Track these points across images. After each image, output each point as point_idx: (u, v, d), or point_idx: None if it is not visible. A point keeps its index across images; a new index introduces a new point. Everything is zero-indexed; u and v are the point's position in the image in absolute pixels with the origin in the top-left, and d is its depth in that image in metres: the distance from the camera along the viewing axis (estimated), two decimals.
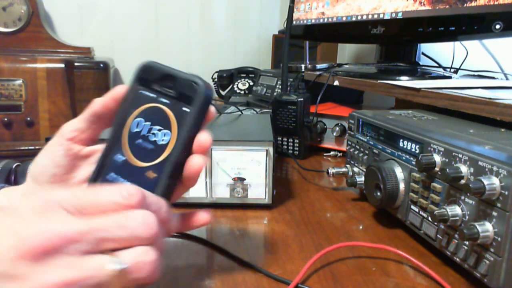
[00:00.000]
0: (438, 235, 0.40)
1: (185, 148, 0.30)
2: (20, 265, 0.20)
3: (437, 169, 0.40)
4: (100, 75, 1.44)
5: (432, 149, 0.41)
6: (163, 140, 0.30)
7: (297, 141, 0.81)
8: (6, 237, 0.21)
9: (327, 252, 0.41)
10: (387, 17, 0.81)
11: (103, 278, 0.22)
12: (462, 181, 0.36)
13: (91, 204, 0.24)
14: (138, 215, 0.24)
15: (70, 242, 0.22)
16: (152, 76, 0.32)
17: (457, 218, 0.36)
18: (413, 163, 0.44)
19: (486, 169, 0.33)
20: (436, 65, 0.98)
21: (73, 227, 0.22)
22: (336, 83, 0.89)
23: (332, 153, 0.84)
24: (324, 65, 1.10)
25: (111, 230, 0.23)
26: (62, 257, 0.21)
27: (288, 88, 0.82)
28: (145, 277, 0.24)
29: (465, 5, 0.65)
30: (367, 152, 0.55)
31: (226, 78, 1.51)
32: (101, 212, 0.24)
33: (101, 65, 1.44)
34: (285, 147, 0.82)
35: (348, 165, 0.61)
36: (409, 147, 0.45)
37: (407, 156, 0.45)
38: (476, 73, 0.86)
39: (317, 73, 0.99)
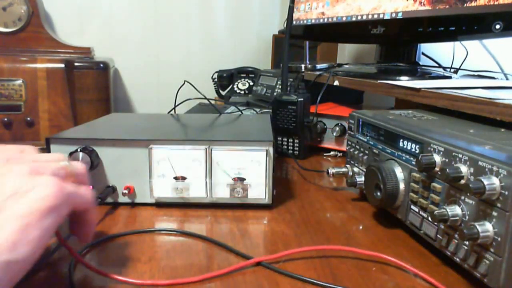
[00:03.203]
0: (438, 235, 0.40)
1: None
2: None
3: (437, 169, 0.40)
4: (100, 75, 1.44)
5: (432, 149, 0.41)
6: None
7: (297, 141, 0.81)
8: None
9: (325, 250, 0.41)
10: (387, 17, 0.81)
11: (56, 166, 0.35)
12: (462, 181, 0.36)
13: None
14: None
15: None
16: None
17: (457, 218, 0.36)
18: (413, 163, 0.44)
19: (486, 169, 0.33)
20: (436, 65, 0.98)
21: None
22: (336, 83, 0.89)
23: (332, 153, 0.84)
24: (324, 65, 1.10)
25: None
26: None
27: (288, 88, 0.82)
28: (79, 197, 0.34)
29: (465, 5, 0.65)
30: (367, 152, 0.55)
31: (226, 78, 1.51)
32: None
33: (101, 65, 1.44)
34: (285, 147, 0.82)
35: (348, 165, 0.61)
36: (409, 147, 0.45)
37: (407, 156, 0.45)
38: (476, 73, 0.86)
39: (317, 73, 0.99)
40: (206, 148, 0.52)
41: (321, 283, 0.37)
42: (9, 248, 0.28)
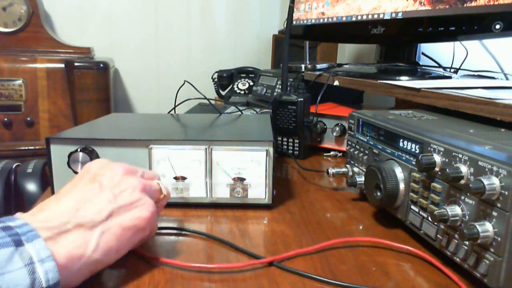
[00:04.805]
0: (438, 235, 0.40)
1: None
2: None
3: (437, 169, 0.40)
4: (100, 75, 1.44)
5: (432, 149, 0.41)
6: None
7: (297, 141, 0.81)
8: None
9: (328, 247, 0.40)
10: (387, 17, 0.81)
11: (156, 187, 0.41)
12: (462, 181, 0.36)
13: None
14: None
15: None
16: None
17: (457, 218, 0.36)
18: (413, 163, 0.44)
19: (486, 169, 0.33)
20: (436, 65, 0.98)
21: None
22: (336, 83, 0.89)
23: (332, 153, 0.84)
24: (324, 65, 1.10)
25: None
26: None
27: (288, 88, 0.82)
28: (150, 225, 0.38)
29: (465, 5, 0.65)
30: (367, 152, 0.55)
31: (226, 78, 1.51)
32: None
33: (101, 65, 1.44)
34: (285, 147, 0.82)
35: (348, 165, 0.61)
36: (409, 147, 0.45)
37: (407, 156, 0.45)
38: (476, 73, 0.86)
39: (317, 73, 0.99)
40: (206, 148, 0.52)
41: (324, 279, 0.37)
42: (104, 252, 0.32)
